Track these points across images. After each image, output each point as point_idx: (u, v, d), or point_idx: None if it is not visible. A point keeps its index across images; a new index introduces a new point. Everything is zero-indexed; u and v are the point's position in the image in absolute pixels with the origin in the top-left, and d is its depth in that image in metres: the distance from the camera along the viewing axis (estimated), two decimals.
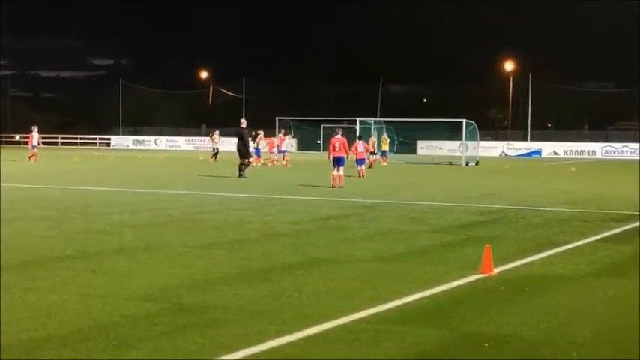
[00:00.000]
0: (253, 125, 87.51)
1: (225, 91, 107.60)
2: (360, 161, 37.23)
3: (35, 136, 48.52)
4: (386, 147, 54.23)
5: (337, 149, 29.44)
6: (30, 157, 46.70)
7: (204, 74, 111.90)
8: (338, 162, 29.04)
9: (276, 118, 79.01)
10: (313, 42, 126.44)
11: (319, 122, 78.38)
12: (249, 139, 36.80)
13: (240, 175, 33.14)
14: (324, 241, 15.32)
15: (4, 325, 8.51)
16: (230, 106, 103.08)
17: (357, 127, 57.35)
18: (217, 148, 55.14)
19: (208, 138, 58.33)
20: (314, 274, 11.65)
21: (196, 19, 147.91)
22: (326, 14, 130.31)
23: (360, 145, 38.04)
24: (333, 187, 28.28)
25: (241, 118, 37.92)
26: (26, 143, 73.06)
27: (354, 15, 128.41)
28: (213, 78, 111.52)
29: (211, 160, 52.83)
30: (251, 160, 35.22)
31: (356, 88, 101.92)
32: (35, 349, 7.74)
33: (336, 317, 8.96)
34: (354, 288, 10.72)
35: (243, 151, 34.00)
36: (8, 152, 69.12)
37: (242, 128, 34.84)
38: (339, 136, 30.22)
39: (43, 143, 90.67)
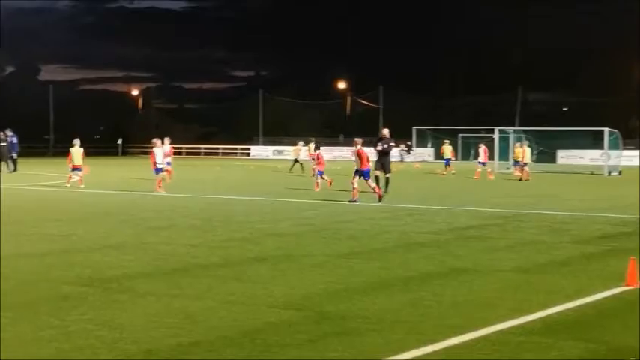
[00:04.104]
0: (391, 134, 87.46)
1: (363, 101, 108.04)
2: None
3: (158, 152, 31.81)
4: (527, 158, 51.00)
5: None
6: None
7: (342, 84, 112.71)
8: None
9: (413, 128, 78.88)
10: (450, 50, 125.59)
11: (456, 132, 77.69)
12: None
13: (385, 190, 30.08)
14: (463, 251, 15.24)
15: (152, 330, 8.83)
16: (367, 115, 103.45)
17: (496, 137, 56.63)
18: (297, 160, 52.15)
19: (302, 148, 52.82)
20: (453, 284, 11.62)
21: (334, 30, 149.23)
22: (461, 22, 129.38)
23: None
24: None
25: (375, 128, 36.07)
26: (173, 153, 73.48)
27: (491, 21, 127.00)
28: (351, 88, 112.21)
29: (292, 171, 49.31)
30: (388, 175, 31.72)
31: (494, 97, 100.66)
32: (182, 355, 7.99)
33: (477, 328, 8.92)
34: (495, 299, 10.64)
35: (386, 165, 31.27)
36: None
37: (387, 139, 31.97)
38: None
39: (187, 153, 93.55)
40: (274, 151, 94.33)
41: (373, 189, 26.49)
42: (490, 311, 9.83)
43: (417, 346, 8.16)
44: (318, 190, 31.23)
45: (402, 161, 69.14)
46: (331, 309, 9.98)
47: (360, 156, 26.59)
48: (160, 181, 30.01)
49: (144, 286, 11.36)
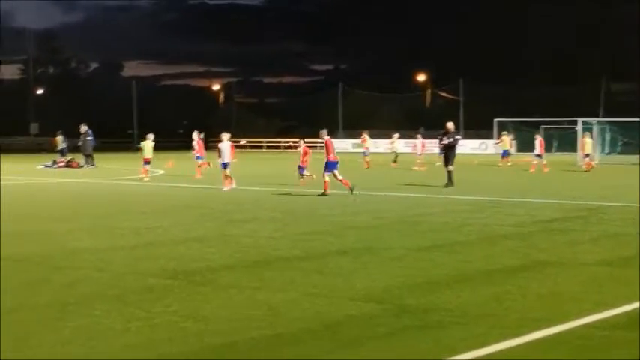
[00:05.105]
0: (471, 126, 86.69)
1: (443, 94, 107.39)
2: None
3: (223, 147, 29.95)
4: (588, 149, 45.24)
5: None
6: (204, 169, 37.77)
7: (421, 77, 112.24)
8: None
9: (494, 120, 78.11)
10: (531, 42, 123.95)
11: (538, 123, 76.71)
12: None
13: (447, 185, 29.52)
14: (547, 244, 15.06)
15: (236, 322, 8.92)
16: (447, 108, 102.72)
17: (579, 128, 55.73)
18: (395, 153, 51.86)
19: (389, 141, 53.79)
20: (538, 278, 11.50)
21: (412, 22, 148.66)
22: (544, 13, 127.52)
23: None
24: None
25: (455, 120, 35.00)
26: (254, 147, 73.10)
27: (573, 13, 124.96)
28: (431, 80, 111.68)
29: (393, 164, 49.60)
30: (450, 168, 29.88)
31: (576, 87, 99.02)
32: (265, 347, 8.05)
33: (562, 322, 8.82)
34: (580, 292, 10.51)
35: (450, 159, 30.37)
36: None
37: (453, 132, 31.09)
38: None
39: (267, 147, 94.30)
40: (354, 144, 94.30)
41: (340, 181, 26.19)
42: (574, 305, 9.71)
43: (501, 340, 8.10)
44: (304, 184, 30.46)
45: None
46: (412, 302, 9.96)
47: (327, 147, 26.54)
48: (225, 177, 29.38)
49: (227, 279, 11.50)
